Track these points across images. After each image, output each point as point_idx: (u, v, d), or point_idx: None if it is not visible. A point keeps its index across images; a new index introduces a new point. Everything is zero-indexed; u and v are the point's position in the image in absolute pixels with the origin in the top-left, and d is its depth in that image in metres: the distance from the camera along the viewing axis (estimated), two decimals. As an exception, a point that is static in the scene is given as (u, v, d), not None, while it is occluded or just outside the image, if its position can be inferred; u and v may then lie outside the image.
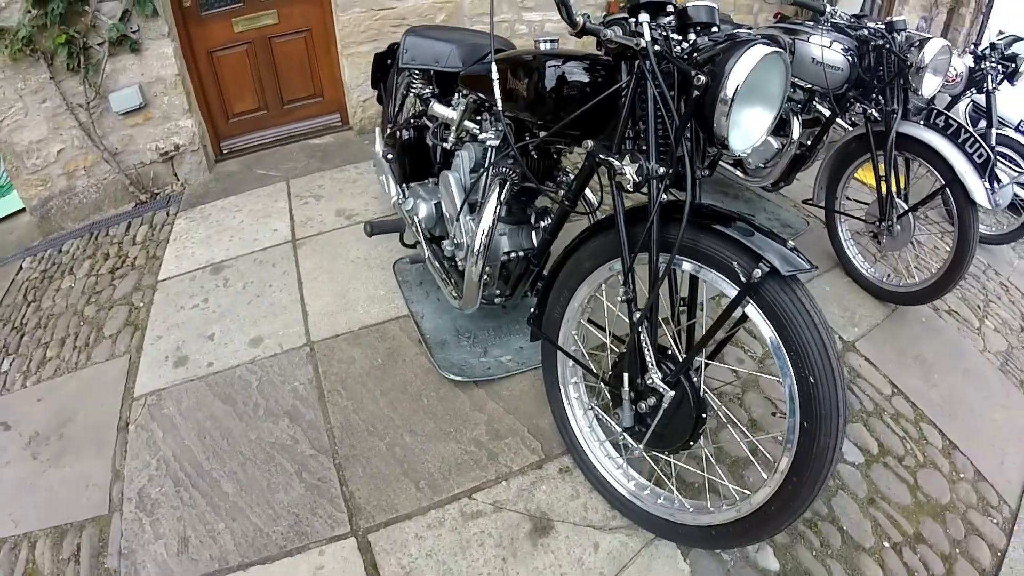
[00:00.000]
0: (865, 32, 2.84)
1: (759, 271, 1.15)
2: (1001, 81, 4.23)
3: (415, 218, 2.37)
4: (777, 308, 1.18)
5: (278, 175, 3.73)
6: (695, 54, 1.27)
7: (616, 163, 1.36)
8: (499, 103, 1.63)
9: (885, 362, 2.74)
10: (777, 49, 1.20)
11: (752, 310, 1.22)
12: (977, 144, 2.85)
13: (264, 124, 4.13)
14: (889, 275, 3.23)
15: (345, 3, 3.82)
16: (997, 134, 4.19)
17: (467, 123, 2.13)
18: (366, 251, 2.90)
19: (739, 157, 3.30)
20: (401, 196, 2.54)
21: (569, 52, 1.55)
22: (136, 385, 2.24)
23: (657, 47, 1.25)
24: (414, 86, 2.52)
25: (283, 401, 2.11)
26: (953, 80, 4.11)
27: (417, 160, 2.55)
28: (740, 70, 1.15)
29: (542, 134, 1.65)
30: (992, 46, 4.35)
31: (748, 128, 1.29)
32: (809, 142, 3.20)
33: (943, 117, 2.95)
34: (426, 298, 2.56)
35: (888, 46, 2.76)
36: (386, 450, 1.93)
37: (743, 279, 1.18)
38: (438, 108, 2.27)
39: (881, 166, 2.88)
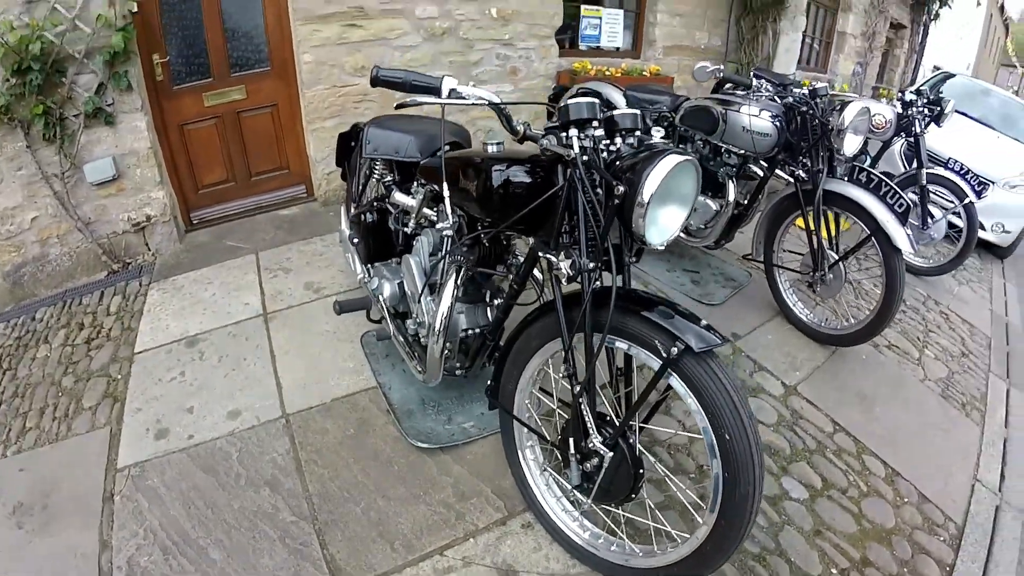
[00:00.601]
0: (790, 99, 3.12)
1: (676, 349, 1.36)
2: (928, 124, 4.62)
3: (380, 297, 2.52)
4: (694, 378, 1.39)
5: (247, 247, 3.86)
6: (618, 161, 1.49)
7: (553, 259, 1.59)
8: (447, 204, 1.86)
9: (826, 401, 2.96)
10: (687, 157, 1.42)
11: (674, 380, 1.43)
12: (897, 195, 3.13)
13: (232, 195, 4.27)
14: (827, 319, 3.49)
15: (310, 80, 4.04)
16: (928, 173, 4.56)
17: (425, 210, 2.32)
18: (334, 325, 3.04)
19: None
20: (366, 275, 2.70)
21: (513, 155, 1.74)
22: (119, 457, 2.32)
23: (585, 157, 1.47)
24: (376, 172, 2.71)
25: (263, 471, 2.22)
26: (883, 127, 4.44)
27: (380, 241, 2.71)
28: (654, 179, 1.36)
29: (492, 228, 1.85)
30: (918, 92, 4.76)
31: (665, 224, 1.49)
32: (746, 201, 3.47)
33: (865, 173, 3.27)
34: (392, 370, 2.72)
35: (811, 112, 3.05)
36: (362, 514, 2.06)
37: (664, 355, 1.39)
38: (399, 196, 2.46)
39: (812, 221, 3.17)
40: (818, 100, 3.08)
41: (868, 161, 5.01)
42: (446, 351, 2.07)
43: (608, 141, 1.52)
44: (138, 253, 3.78)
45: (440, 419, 2.45)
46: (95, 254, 3.62)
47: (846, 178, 3.23)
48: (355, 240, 2.77)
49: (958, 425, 3.15)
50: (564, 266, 1.55)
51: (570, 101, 1.49)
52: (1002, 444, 3.16)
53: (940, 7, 11.71)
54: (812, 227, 3.19)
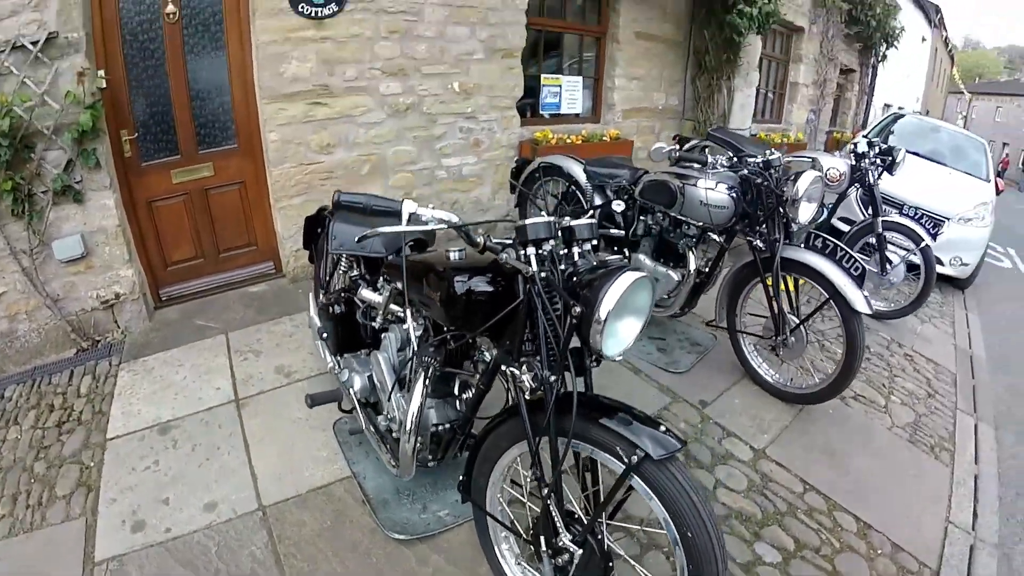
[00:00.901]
0: (745, 172, 3.28)
1: (636, 456, 1.45)
2: (881, 174, 4.89)
3: (351, 389, 2.56)
4: (655, 482, 1.47)
5: (217, 327, 3.87)
6: (575, 276, 1.59)
7: (516, 372, 1.67)
8: (410, 311, 1.96)
9: (795, 461, 3.05)
10: (641, 275, 1.52)
11: (636, 483, 1.51)
12: (852, 259, 3.33)
13: (201, 272, 4.29)
14: (792, 378, 3.59)
15: (276, 158, 4.12)
16: (884, 221, 4.80)
17: (393, 306, 2.35)
18: (307, 412, 3.02)
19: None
20: (337, 366, 2.72)
21: (474, 263, 1.81)
22: (96, 550, 2.29)
23: (544, 274, 1.58)
24: (342, 265, 2.79)
25: (243, 565, 2.22)
26: (837, 180, 4.69)
27: (349, 332, 2.76)
28: (611, 297, 1.45)
29: (457, 334, 1.93)
30: (869, 144, 5.02)
31: (622, 336, 1.57)
32: (707, 268, 3.61)
33: (820, 239, 3.48)
34: (366, 458, 2.75)
35: (766, 183, 3.21)
36: (343, 609, 2.11)
37: (626, 461, 1.48)
38: (365, 293, 2.51)
39: (772, 288, 3.32)
40: (772, 171, 3.23)
41: (825, 214, 5.27)
42: (418, 445, 2.11)
43: (566, 250, 1.62)
44: (107, 331, 3.76)
45: (415, 508, 2.48)
46: (64, 331, 3.59)
47: (802, 244, 3.40)
48: (324, 334, 2.80)
49: (928, 468, 3.28)
50: (527, 379, 1.64)
51: (527, 221, 1.58)
52: (973, 482, 3.30)
53: (887, 48, 12.32)
54: (772, 293, 3.32)
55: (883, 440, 3.41)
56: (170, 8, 3.68)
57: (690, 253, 3.56)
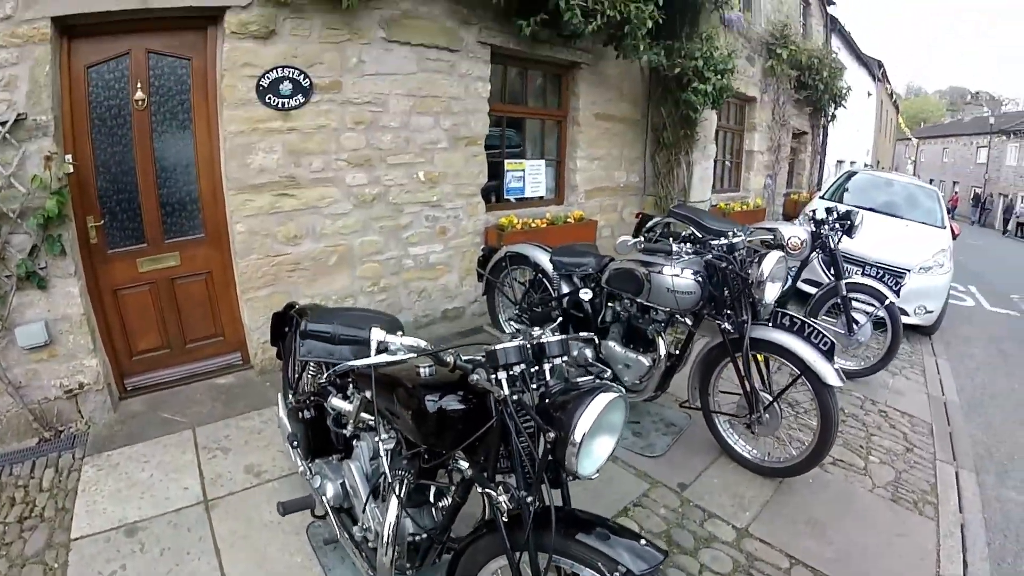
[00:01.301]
0: (710, 256, 3.40)
1: (617, 573, 1.48)
2: (841, 238, 5.15)
3: (323, 496, 2.51)
4: None
5: (184, 421, 3.81)
6: (548, 398, 1.63)
7: (492, 493, 1.69)
8: (380, 425, 1.98)
9: (779, 536, 3.07)
10: (615, 395, 1.57)
11: None
12: (820, 334, 3.35)
13: (167, 362, 4.25)
14: (769, 452, 3.65)
15: (243, 250, 4.17)
16: (847, 283, 5.05)
17: (363, 415, 2.27)
18: (279, 515, 2.96)
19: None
20: (308, 472, 2.66)
21: (445, 380, 1.81)
22: None
23: (515, 397, 1.61)
24: (310, 369, 2.78)
25: None
26: (799, 248, 4.96)
27: (321, 437, 2.68)
28: (586, 420, 1.50)
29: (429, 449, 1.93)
30: (828, 210, 5.33)
31: (597, 454, 1.61)
32: (677, 351, 3.71)
33: (787, 317, 3.51)
34: (342, 564, 2.67)
35: (731, 267, 3.33)
36: None
37: None
38: (335, 401, 2.42)
39: (743, 368, 3.39)
40: (736, 254, 3.36)
41: (790, 281, 5.36)
42: (395, 556, 2.09)
43: (537, 367, 1.67)
44: (71, 421, 3.68)
45: (396, 613, 2.47)
46: (26, 419, 3.52)
47: (770, 323, 3.50)
48: (295, 442, 2.72)
49: (913, 525, 3.34)
50: (503, 500, 1.66)
51: (498, 347, 1.63)
52: (960, 531, 3.37)
53: (835, 108, 13.03)
54: (743, 373, 3.40)
55: (866, 503, 3.46)
56: (139, 95, 3.78)
57: (659, 338, 3.64)
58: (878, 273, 6.01)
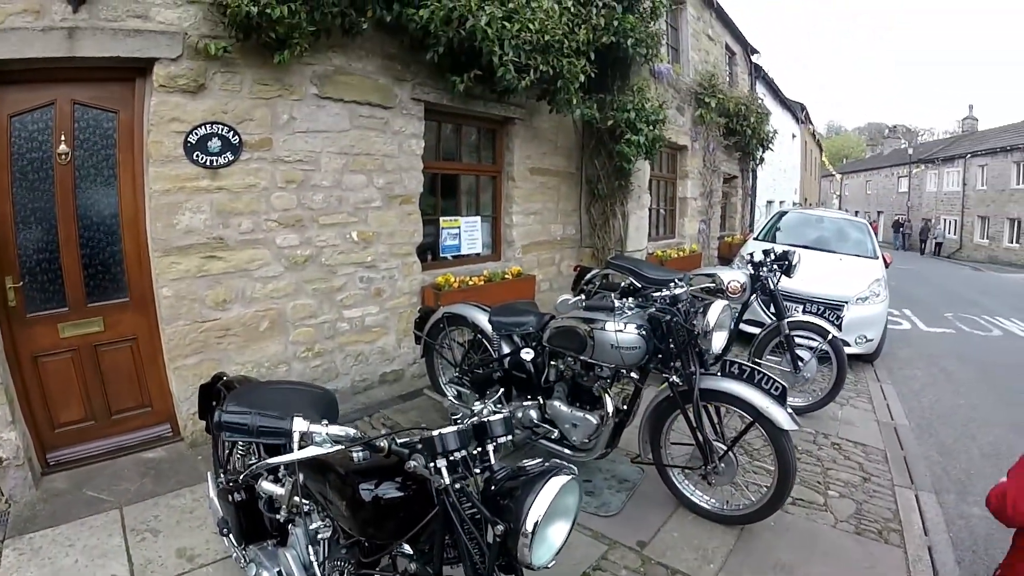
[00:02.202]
0: (653, 309, 3.49)
1: None
2: (780, 279, 5.49)
3: None
4: None
5: (110, 500, 3.65)
6: (493, 485, 1.61)
7: None
8: (315, 512, 1.94)
9: (742, 586, 3.14)
10: (569, 478, 1.55)
11: None
12: (771, 380, 3.45)
13: (92, 435, 4.06)
14: (728, 500, 3.69)
15: (169, 315, 4.09)
16: (789, 322, 5.40)
17: (296, 499, 2.17)
18: None
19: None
20: (243, 560, 2.55)
21: (379, 465, 1.76)
22: None
23: (458, 485, 1.57)
24: (239, 448, 2.71)
25: None
26: (738, 292, 5.16)
27: (253, 521, 2.53)
28: (538, 508, 1.47)
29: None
30: (765, 253, 5.66)
31: (551, 540, 1.57)
32: (625, 407, 3.74)
33: (736, 365, 3.59)
34: None
35: (675, 319, 3.41)
36: None
37: None
38: (266, 485, 2.31)
39: (694, 419, 3.45)
40: (680, 305, 3.45)
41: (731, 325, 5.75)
42: None
43: (480, 448, 1.64)
44: None
45: None
46: None
47: (719, 372, 3.57)
48: (225, 529, 2.54)
49: (880, 555, 3.48)
50: None
51: (435, 432, 1.59)
52: (927, 554, 3.52)
53: (763, 152, 14.10)
54: (695, 425, 3.47)
55: (831, 539, 3.59)
56: (63, 148, 3.73)
57: (606, 395, 3.68)
58: (818, 308, 6.45)
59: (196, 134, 4.05)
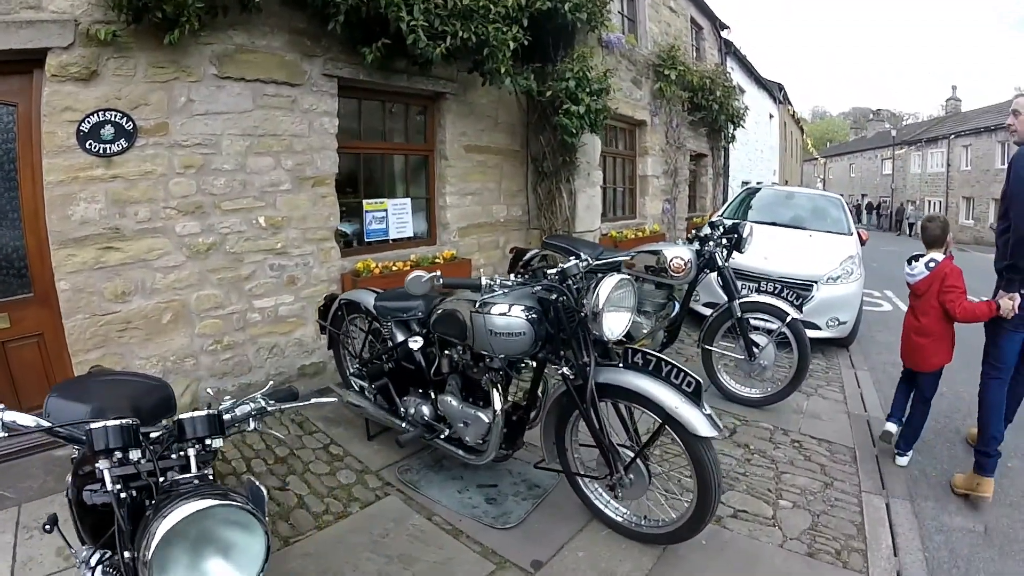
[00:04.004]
0: (539, 287, 3.29)
1: None
2: (730, 254, 5.53)
3: None
4: None
5: (13, 497, 3.82)
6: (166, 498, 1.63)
7: None
8: None
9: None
10: (211, 503, 1.56)
11: None
12: (682, 373, 3.05)
13: None
14: (646, 516, 3.49)
15: (69, 309, 4.27)
16: (743, 303, 5.34)
17: None
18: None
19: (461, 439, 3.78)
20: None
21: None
22: None
23: (125, 495, 1.69)
24: None
25: None
26: (682, 270, 5.11)
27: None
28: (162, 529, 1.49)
29: None
30: (712, 225, 5.65)
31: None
32: (525, 403, 3.70)
33: (640, 355, 3.20)
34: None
35: (562, 298, 3.18)
36: None
37: None
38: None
39: (595, 420, 3.24)
40: (570, 282, 3.21)
41: (676, 308, 5.71)
42: None
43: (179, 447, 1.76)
44: None
45: None
46: None
47: (621, 363, 3.25)
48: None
49: None
50: None
51: (93, 425, 1.67)
52: None
53: (734, 129, 14.53)
54: (595, 426, 3.24)
55: (774, 563, 3.31)
56: None
57: (494, 390, 3.51)
58: (780, 289, 6.06)
59: (88, 122, 4.22)
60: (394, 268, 6.15)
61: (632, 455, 3.25)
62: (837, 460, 4.55)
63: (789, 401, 5.53)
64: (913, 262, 4.56)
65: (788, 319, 5.27)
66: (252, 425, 2.10)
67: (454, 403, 3.78)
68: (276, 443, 4.53)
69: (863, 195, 46.46)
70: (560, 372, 3.28)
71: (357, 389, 4.69)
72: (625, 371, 3.19)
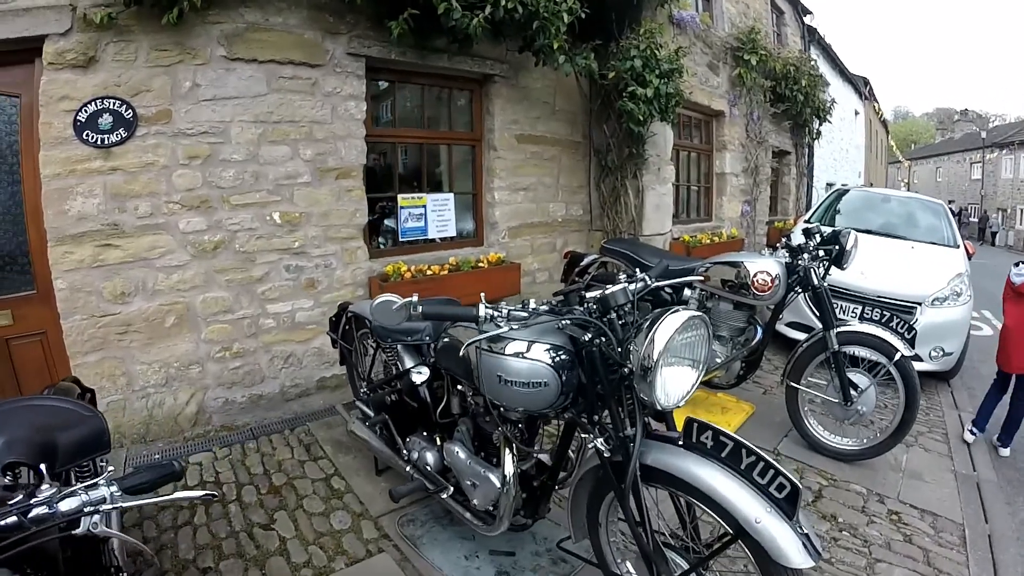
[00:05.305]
0: (567, 321, 2.47)
1: None
2: (828, 269, 4.59)
3: None
4: None
5: None
6: None
7: None
8: None
9: None
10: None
11: None
12: (771, 470, 2.19)
13: None
14: None
15: (66, 309, 4.18)
16: (842, 333, 4.45)
17: None
18: None
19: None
20: None
21: None
22: None
23: None
24: None
25: None
26: (768, 288, 4.36)
27: None
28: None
29: None
30: (807, 233, 4.70)
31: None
32: (551, 463, 2.94)
33: (709, 432, 2.33)
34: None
35: (599, 341, 2.33)
36: None
37: None
38: None
39: (635, 511, 2.45)
40: (614, 315, 2.35)
41: (758, 335, 4.82)
42: None
43: None
44: None
45: None
46: None
47: (682, 440, 2.41)
48: None
49: None
50: None
51: None
52: None
53: (820, 124, 13.47)
54: (632, 520, 2.41)
55: None
56: None
57: (506, 450, 2.81)
58: (881, 313, 5.38)
59: (86, 111, 4.13)
60: (429, 272, 5.67)
61: (686, 566, 2.44)
62: (943, 543, 3.76)
63: (886, 454, 4.70)
64: (1021, 264, 4.69)
65: (897, 356, 4.40)
66: (83, 528, 1.66)
67: (461, 455, 3.11)
68: (276, 468, 4.23)
69: (950, 201, 45.58)
70: (593, 444, 2.45)
71: (361, 417, 4.16)
72: (685, 454, 2.34)
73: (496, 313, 2.42)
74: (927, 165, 52.89)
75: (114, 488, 1.67)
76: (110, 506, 1.66)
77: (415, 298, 2.33)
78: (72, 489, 1.63)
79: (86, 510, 1.65)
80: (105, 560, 2.08)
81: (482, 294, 2.57)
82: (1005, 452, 5.20)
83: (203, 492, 1.88)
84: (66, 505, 1.63)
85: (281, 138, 4.93)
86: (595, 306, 2.39)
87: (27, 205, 4.25)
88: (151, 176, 4.45)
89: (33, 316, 4.37)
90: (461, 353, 2.70)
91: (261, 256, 4.95)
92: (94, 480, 1.67)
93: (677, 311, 2.28)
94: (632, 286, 2.44)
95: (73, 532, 1.64)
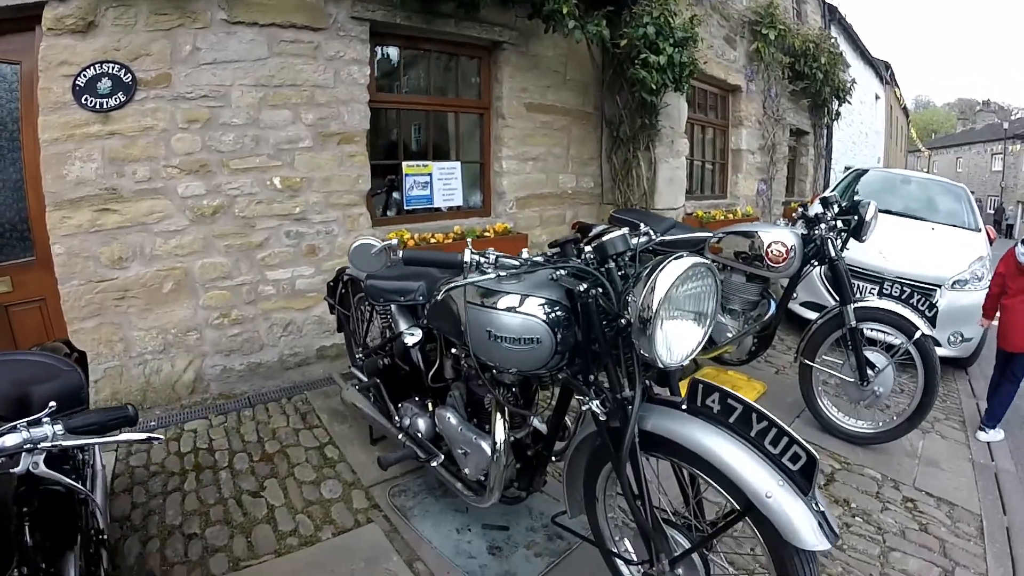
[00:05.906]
0: (562, 272, 2.33)
1: None
2: (846, 241, 4.42)
3: None
4: None
5: None
6: None
7: None
8: None
9: None
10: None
11: None
12: (785, 437, 2.01)
13: None
14: None
15: (64, 275, 4.21)
16: (859, 308, 4.30)
17: None
18: None
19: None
20: None
21: None
22: None
23: None
24: None
25: None
26: (783, 259, 4.19)
27: None
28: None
29: None
30: (824, 202, 4.46)
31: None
32: (546, 430, 2.81)
33: (717, 394, 2.13)
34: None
35: (591, 293, 2.17)
36: None
37: None
38: None
39: (633, 483, 2.26)
40: (613, 264, 2.20)
41: (772, 309, 4.66)
42: None
43: None
44: None
45: None
46: None
47: (685, 404, 2.21)
48: None
49: None
50: None
51: None
52: None
53: (839, 105, 13.20)
54: (629, 492, 2.23)
55: None
56: None
57: (498, 415, 2.68)
58: (901, 291, 5.47)
59: (84, 76, 4.16)
60: (432, 240, 5.62)
61: (687, 545, 2.25)
62: (960, 534, 3.63)
63: (902, 439, 4.56)
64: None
65: (917, 334, 4.22)
66: (23, 467, 1.61)
67: (453, 421, 2.98)
68: (270, 436, 4.25)
69: (971, 192, 46.96)
70: (589, 407, 2.25)
71: (356, 384, 4.07)
72: (689, 419, 2.13)
73: (483, 259, 2.28)
74: (947, 155, 53.12)
75: (58, 427, 1.62)
76: (50, 444, 1.61)
77: (395, 241, 2.22)
78: (12, 424, 1.57)
79: (26, 446, 1.61)
80: (84, 523, 2.05)
81: (468, 239, 2.46)
82: (985, 436, 4.98)
83: (147, 434, 1.83)
84: (7, 442, 1.59)
85: (282, 102, 4.92)
86: (593, 255, 2.24)
87: (27, 172, 4.27)
88: (150, 140, 4.45)
89: (32, 283, 4.41)
90: (439, 297, 2.64)
91: (261, 222, 4.94)
92: (37, 416, 1.61)
93: (681, 256, 2.08)
94: (636, 238, 2.33)
95: (12, 471, 1.58)
